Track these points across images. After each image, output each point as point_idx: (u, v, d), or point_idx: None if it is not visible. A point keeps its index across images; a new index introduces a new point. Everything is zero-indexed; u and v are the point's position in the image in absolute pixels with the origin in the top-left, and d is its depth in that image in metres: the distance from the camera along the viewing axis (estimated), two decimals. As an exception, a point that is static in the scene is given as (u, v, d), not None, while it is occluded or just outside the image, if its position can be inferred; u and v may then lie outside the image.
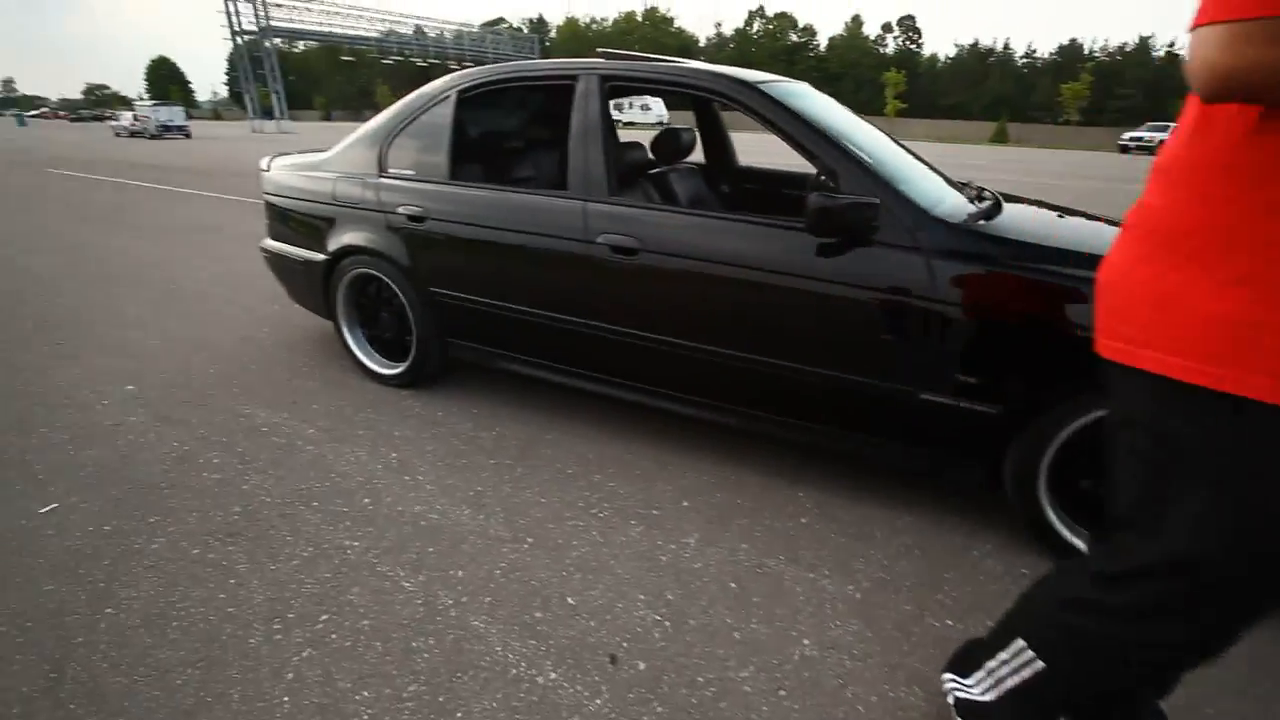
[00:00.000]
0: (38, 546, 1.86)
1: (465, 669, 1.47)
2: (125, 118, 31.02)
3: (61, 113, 79.89)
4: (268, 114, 40.80)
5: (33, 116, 67.49)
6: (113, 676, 1.44)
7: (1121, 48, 64.59)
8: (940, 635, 1.60)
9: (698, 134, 3.33)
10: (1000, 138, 40.73)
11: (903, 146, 2.56)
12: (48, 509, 2.03)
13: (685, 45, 72.76)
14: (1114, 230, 2.01)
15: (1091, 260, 1.75)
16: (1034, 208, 2.31)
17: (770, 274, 1.95)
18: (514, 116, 3.35)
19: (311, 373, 3.05)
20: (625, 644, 1.55)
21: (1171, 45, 61.40)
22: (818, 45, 73.85)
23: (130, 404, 2.72)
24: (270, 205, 3.13)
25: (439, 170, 2.53)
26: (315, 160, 2.98)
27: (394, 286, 2.68)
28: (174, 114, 30.07)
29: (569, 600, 1.68)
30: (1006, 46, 71.89)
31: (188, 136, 28.93)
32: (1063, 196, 5.05)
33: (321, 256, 2.85)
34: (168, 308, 4.00)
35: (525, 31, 72.24)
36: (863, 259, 1.84)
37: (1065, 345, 1.66)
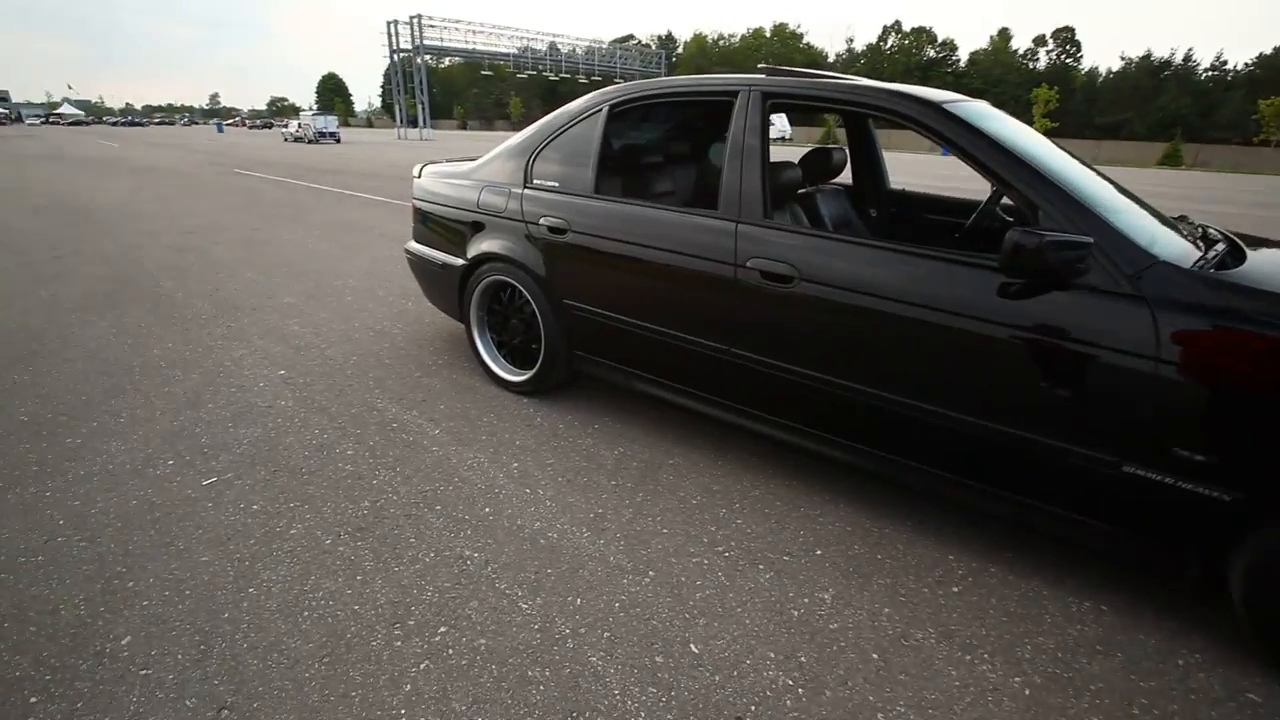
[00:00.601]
0: (199, 517, 2.00)
1: (582, 710, 1.38)
2: (292, 125, 35.44)
3: (246, 121, 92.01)
4: (412, 122, 44.59)
5: (228, 124, 78.42)
6: (251, 659, 1.49)
7: (1335, 60, 55.16)
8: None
9: (848, 153, 3.12)
10: (1173, 159, 36.05)
11: (1103, 176, 2.22)
12: (209, 482, 2.19)
13: (813, 60, 71.03)
14: None
15: None
16: None
17: (945, 314, 1.72)
18: (664, 132, 3.31)
19: (439, 371, 3.15)
20: (754, 708, 1.40)
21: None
22: (957, 60, 69.60)
23: (282, 388, 2.92)
24: (417, 209, 3.28)
25: (584, 183, 2.51)
26: (463, 169, 3.08)
27: (527, 294, 2.70)
28: (328, 122, 34.86)
29: (692, 648, 1.55)
30: (1188, 58, 63.54)
31: (338, 141, 32.88)
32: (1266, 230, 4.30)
33: (461, 261, 2.93)
34: (319, 300, 4.33)
35: (654, 48, 73.74)
36: (1064, 305, 1.56)
37: None
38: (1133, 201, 2.04)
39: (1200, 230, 2.03)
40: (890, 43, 72.89)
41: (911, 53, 69.85)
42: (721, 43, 78.71)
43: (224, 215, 7.93)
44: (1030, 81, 58.87)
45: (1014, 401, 1.68)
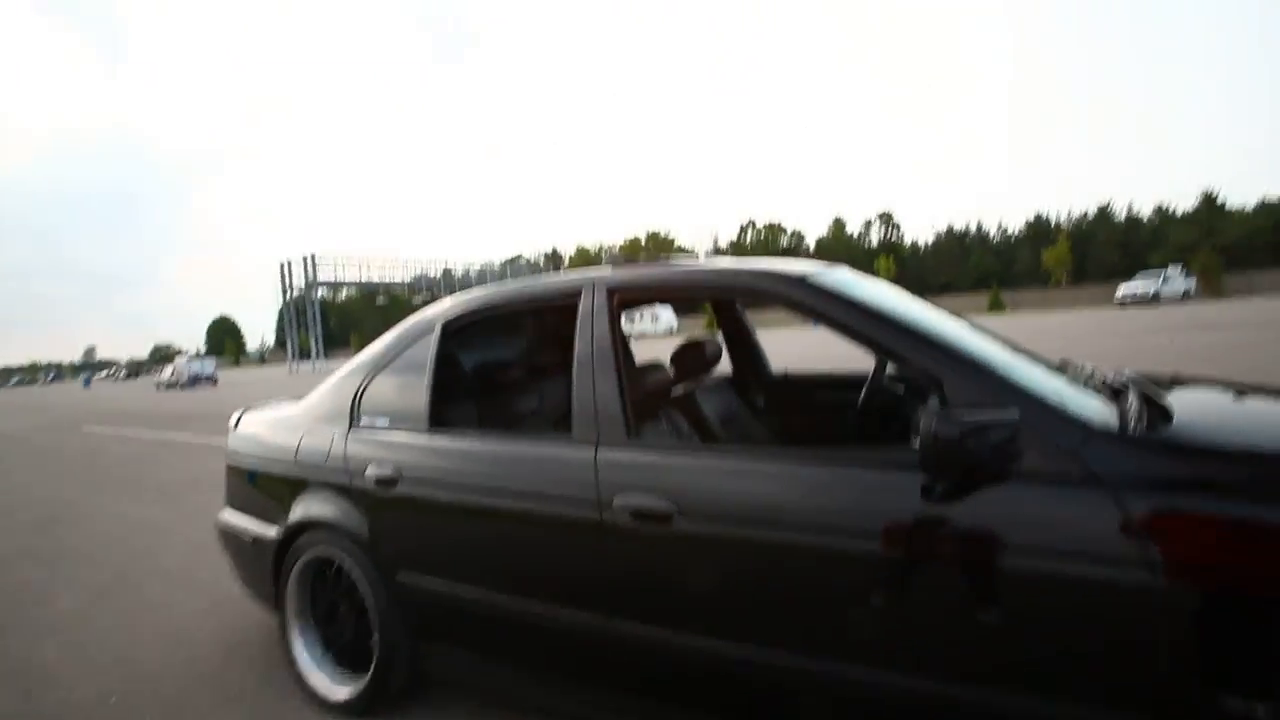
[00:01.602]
0: None
1: None
2: (166, 372, 33.84)
3: (120, 372, 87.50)
4: (306, 355, 44.08)
5: (98, 378, 73.81)
6: None
7: (1085, 215, 69.82)
8: None
9: (723, 342, 2.93)
10: (996, 306, 41.98)
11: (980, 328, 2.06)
12: None
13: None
14: None
15: None
16: (1202, 390, 1.72)
17: (876, 538, 1.29)
18: (509, 347, 3.00)
19: (242, 697, 2.27)
20: None
21: (1130, 207, 66.49)
22: (808, 246, 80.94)
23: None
24: (230, 469, 2.66)
25: (417, 418, 2.04)
26: (287, 412, 2.56)
27: (355, 570, 2.05)
28: (204, 366, 34.04)
29: None
30: (980, 227, 78.22)
31: (214, 384, 31.43)
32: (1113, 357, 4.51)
33: (273, 533, 2.27)
34: (110, 598, 3.34)
35: (541, 264, 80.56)
36: (1012, 503, 1.19)
37: None
38: (1020, 354, 1.76)
39: (1092, 374, 1.80)
40: (749, 237, 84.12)
41: (768, 244, 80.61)
42: (602, 253, 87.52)
43: (41, 487, 6.69)
44: (871, 256, 69.01)
45: (984, 648, 1.21)
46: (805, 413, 3.00)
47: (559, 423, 2.77)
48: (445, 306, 2.18)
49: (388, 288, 51.63)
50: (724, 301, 3.10)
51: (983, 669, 1.21)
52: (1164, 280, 33.50)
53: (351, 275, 47.92)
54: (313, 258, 44.10)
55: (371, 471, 2.02)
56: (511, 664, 1.82)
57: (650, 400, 2.15)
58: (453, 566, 1.86)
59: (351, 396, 2.25)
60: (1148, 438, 1.20)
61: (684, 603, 1.51)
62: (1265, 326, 13.28)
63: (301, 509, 2.19)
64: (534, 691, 1.82)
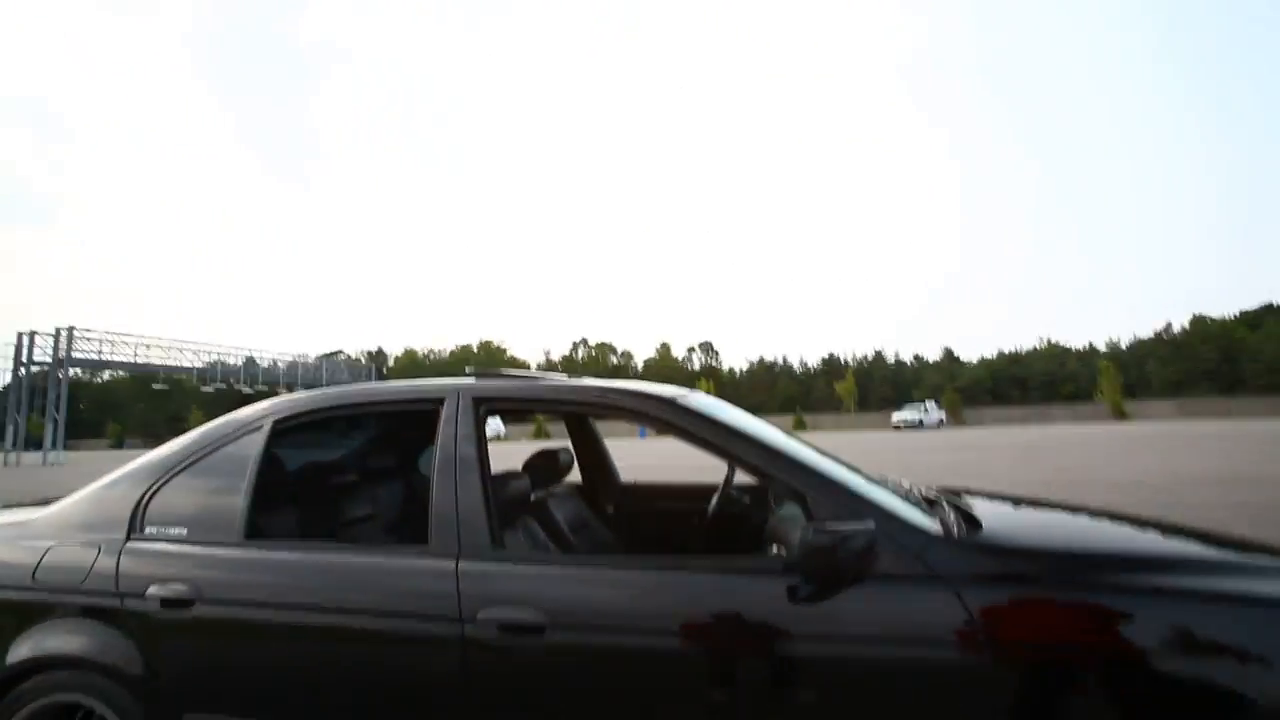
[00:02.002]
0: None
1: None
2: None
3: None
4: (37, 444, 35.29)
5: None
6: None
7: (866, 357, 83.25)
8: None
9: (573, 451, 2.94)
10: (801, 426, 47.37)
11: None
12: None
13: (520, 369, 79.97)
14: (1121, 526, 1.80)
15: (1151, 562, 1.42)
16: (988, 501, 2.06)
17: (751, 639, 1.37)
18: (351, 451, 2.75)
19: None
20: None
21: (897, 354, 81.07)
22: (635, 367, 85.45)
23: None
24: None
25: (230, 528, 1.72)
26: (18, 518, 2.01)
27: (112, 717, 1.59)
28: None
29: None
30: (784, 360, 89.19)
31: None
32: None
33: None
34: None
35: (363, 362, 74.97)
36: (872, 602, 1.33)
37: (1177, 685, 1.20)
38: (854, 471, 2.06)
39: (910, 489, 2.11)
40: (580, 354, 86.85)
41: (599, 361, 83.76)
42: (432, 356, 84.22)
43: None
44: (692, 379, 74.65)
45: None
46: (652, 521, 3.06)
47: (394, 532, 2.52)
48: (277, 404, 1.95)
49: (170, 373, 44.26)
50: (579, 417, 3.16)
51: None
52: (926, 410, 42.88)
53: (123, 356, 40.58)
54: (70, 330, 36.82)
55: (155, 591, 1.64)
56: None
57: (509, 509, 2.06)
58: (270, 700, 1.54)
59: (135, 501, 1.85)
60: (971, 541, 1.44)
61: (555, 715, 1.41)
62: (995, 449, 16.57)
63: (31, 643, 1.69)
64: None
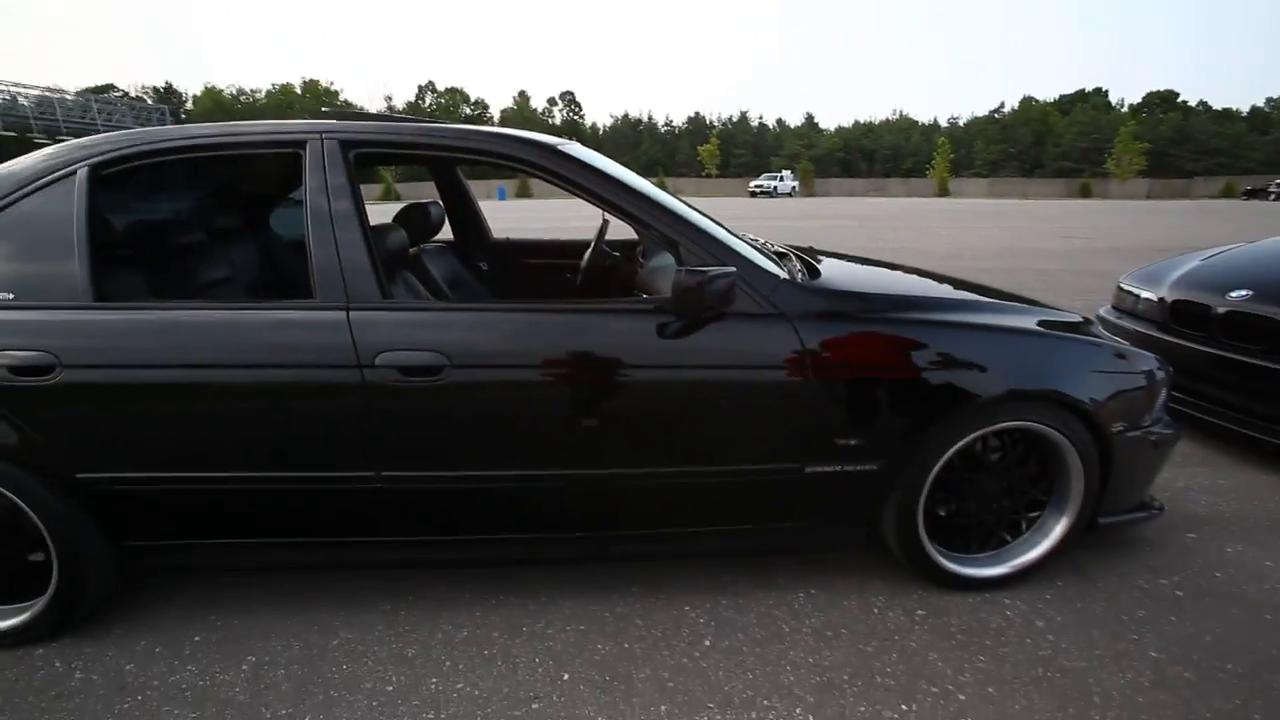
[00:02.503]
0: None
1: None
2: None
3: None
4: None
5: None
6: None
7: (731, 118, 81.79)
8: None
9: (443, 207, 2.85)
10: (662, 189, 47.77)
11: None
12: None
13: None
14: (911, 277, 2.23)
15: (922, 303, 1.83)
16: (837, 259, 2.39)
17: (626, 368, 1.61)
18: (192, 201, 2.45)
19: None
20: None
21: (761, 118, 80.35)
22: (492, 118, 77.39)
23: None
24: None
25: (70, 288, 1.56)
26: None
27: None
28: None
29: None
30: (650, 117, 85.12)
31: None
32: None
33: None
34: None
35: (149, 102, 59.88)
36: (726, 335, 1.61)
37: (925, 388, 1.67)
38: (719, 225, 2.29)
39: (764, 243, 2.40)
40: (428, 101, 76.43)
41: (450, 110, 74.57)
42: (244, 99, 69.52)
43: None
44: (554, 134, 69.93)
45: (711, 439, 1.68)
46: (526, 276, 3.19)
47: (255, 293, 2.43)
48: (91, 145, 1.66)
49: None
50: (445, 167, 2.99)
51: (707, 449, 1.68)
52: (780, 179, 44.87)
53: None
54: None
55: (7, 360, 1.54)
56: (254, 536, 1.71)
57: (391, 261, 2.06)
58: (167, 454, 1.61)
59: None
60: (809, 285, 1.73)
61: (453, 445, 1.64)
62: (836, 219, 18.16)
63: None
64: (277, 557, 1.77)
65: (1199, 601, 1.83)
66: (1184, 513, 2.31)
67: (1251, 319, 2.69)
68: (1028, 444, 1.81)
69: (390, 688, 1.55)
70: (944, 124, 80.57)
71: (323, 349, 1.55)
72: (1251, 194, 39.02)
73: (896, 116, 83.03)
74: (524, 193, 41.45)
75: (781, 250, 2.22)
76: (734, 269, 1.57)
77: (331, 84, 70.08)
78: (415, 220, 2.44)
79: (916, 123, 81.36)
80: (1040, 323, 1.89)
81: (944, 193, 49.98)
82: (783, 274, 1.75)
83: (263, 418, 1.61)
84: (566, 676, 1.59)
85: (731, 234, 1.97)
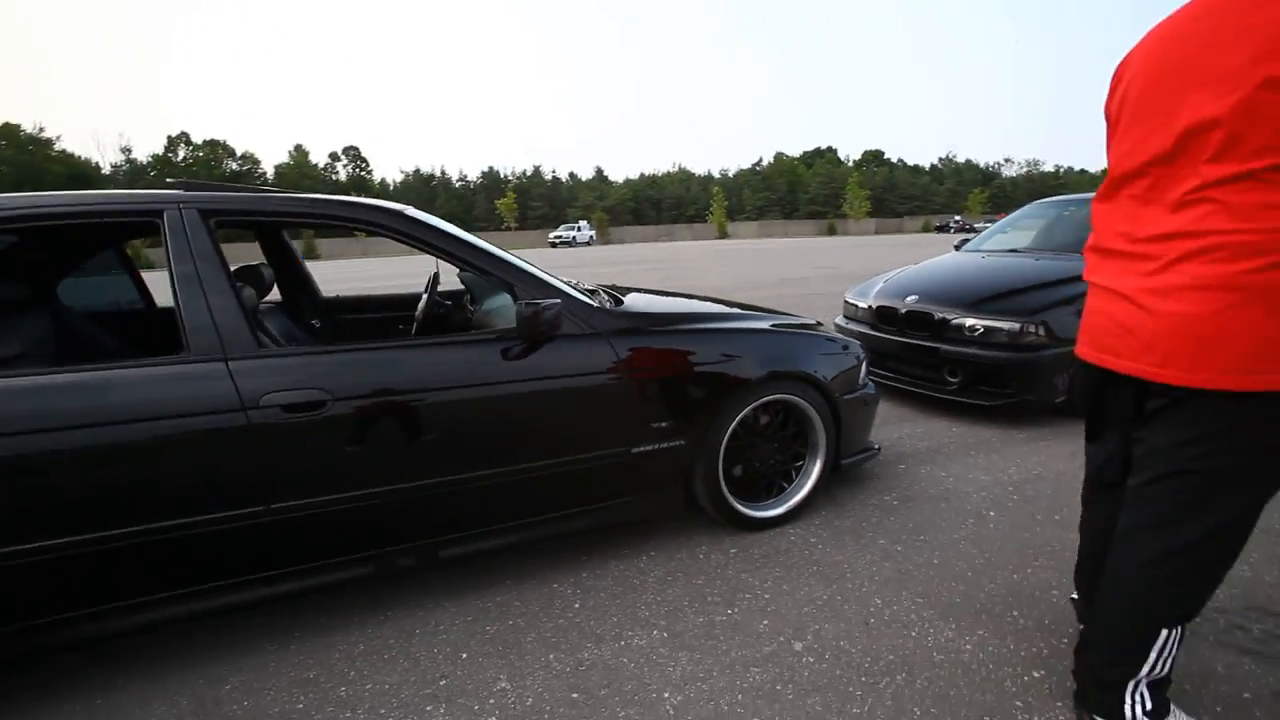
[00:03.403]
0: None
1: None
2: None
3: None
4: None
5: None
6: None
7: (525, 173, 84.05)
8: (743, 628, 1.91)
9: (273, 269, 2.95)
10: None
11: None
12: None
13: (80, 173, 58.02)
14: (694, 301, 2.89)
15: (701, 317, 2.44)
16: (637, 292, 2.96)
17: (482, 386, 1.97)
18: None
19: None
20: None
21: (554, 172, 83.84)
22: (264, 173, 70.53)
23: None
24: None
25: None
26: None
27: None
28: None
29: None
30: (443, 172, 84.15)
31: None
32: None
33: None
34: None
35: None
36: (558, 353, 2.05)
37: (708, 378, 2.27)
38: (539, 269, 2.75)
39: (576, 282, 2.92)
40: (181, 154, 67.36)
41: (211, 165, 66.45)
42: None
43: None
44: (339, 190, 65.63)
45: (559, 436, 2.09)
46: (360, 328, 3.35)
47: (62, 355, 2.33)
48: None
49: None
50: (273, 231, 3.09)
51: (556, 445, 2.08)
52: (579, 229, 47.48)
53: None
54: None
55: None
56: (127, 597, 1.72)
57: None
58: (53, 522, 1.59)
59: None
60: (616, 310, 2.24)
61: (338, 469, 1.84)
62: (630, 264, 19.81)
63: None
64: (145, 616, 1.77)
65: (906, 505, 2.66)
66: (895, 451, 3.25)
67: (919, 315, 3.85)
68: (785, 411, 2.50)
69: (301, 705, 1.69)
70: (717, 175, 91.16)
71: (208, 398, 1.68)
72: (939, 228, 51.68)
73: (676, 169, 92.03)
74: (310, 254, 38.44)
75: (591, 288, 2.75)
76: (559, 300, 2.02)
77: (40, 129, 58.32)
78: (250, 280, 2.55)
79: (694, 174, 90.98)
80: (787, 325, 2.63)
81: (723, 235, 56.79)
82: (595, 303, 2.25)
83: (146, 471, 1.67)
84: (465, 655, 1.86)
85: (553, 275, 2.44)
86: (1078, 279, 3.62)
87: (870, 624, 1.92)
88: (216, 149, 68.25)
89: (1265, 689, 1.63)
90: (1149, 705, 1.39)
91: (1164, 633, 1.35)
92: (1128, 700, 1.40)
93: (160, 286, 2.17)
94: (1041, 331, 3.46)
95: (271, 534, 1.78)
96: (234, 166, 68.43)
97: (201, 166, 65.74)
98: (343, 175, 76.84)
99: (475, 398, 1.97)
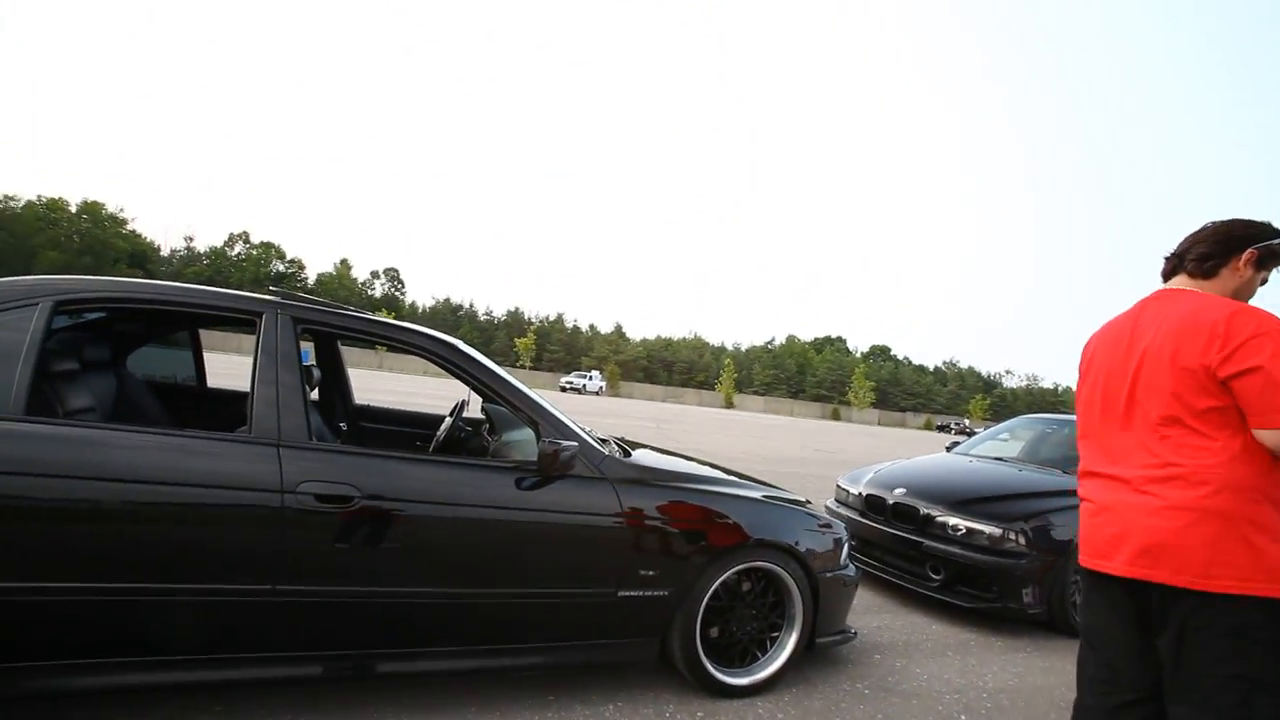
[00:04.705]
0: None
1: None
2: None
3: None
4: None
5: None
6: None
7: (548, 317, 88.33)
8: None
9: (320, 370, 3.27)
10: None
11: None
12: None
13: (141, 251, 62.24)
14: (695, 464, 3.12)
15: (699, 479, 2.64)
16: (645, 448, 3.21)
17: (496, 509, 2.15)
18: (82, 337, 2.63)
19: None
20: None
21: (575, 320, 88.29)
22: (306, 279, 74.91)
23: None
24: None
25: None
26: None
27: None
28: None
29: None
30: (471, 305, 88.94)
31: None
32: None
33: None
34: None
35: None
36: (568, 491, 2.25)
37: (699, 536, 2.42)
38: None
39: (590, 429, 3.17)
40: (238, 250, 72.26)
41: (260, 263, 70.93)
42: (-3, 203, 59.40)
43: None
44: (372, 306, 69.17)
45: (559, 568, 2.23)
46: (380, 437, 3.57)
47: (129, 415, 2.57)
48: (56, 281, 1.98)
49: None
50: (327, 339, 3.45)
51: (552, 574, 2.22)
52: (590, 378, 48.78)
53: None
54: None
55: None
56: (135, 654, 1.79)
57: None
58: (98, 567, 1.74)
59: None
60: (625, 461, 2.47)
61: (349, 564, 1.97)
62: (636, 419, 20.21)
63: None
64: (161, 675, 1.82)
65: (878, 695, 2.65)
66: (872, 640, 3.25)
67: (906, 508, 4.01)
68: (766, 580, 2.61)
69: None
70: (729, 347, 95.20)
71: (253, 476, 1.88)
72: (941, 428, 52.96)
73: (692, 335, 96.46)
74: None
75: (604, 438, 3.00)
76: (577, 443, 2.27)
77: (120, 210, 63.24)
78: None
79: (708, 344, 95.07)
80: (778, 497, 2.82)
81: (730, 405, 58.06)
82: (607, 451, 2.49)
83: (191, 535, 1.84)
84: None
85: (572, 420, 2.71)
86: (1059, 493, 3.84)
87: (829, 814, 1.89)
88: (269, 250, 73.25)
89: None
90: None
91: None
92: None
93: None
94: (1022, 540, 3.59)
95: (273, 615, 1.88)
96: (280, 268, 72.92)
97: (252, 264, 70.16)
98: (378, 292, 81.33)
99: (489, 519, 2.14)
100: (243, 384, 2.35)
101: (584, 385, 46.42)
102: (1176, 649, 1.49)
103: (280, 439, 1.96)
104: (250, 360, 2.06)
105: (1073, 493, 1.86)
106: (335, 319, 2.28)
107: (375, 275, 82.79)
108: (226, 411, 3.03)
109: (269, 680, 1.92)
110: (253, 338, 2.08)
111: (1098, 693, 1.69)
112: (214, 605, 1.84)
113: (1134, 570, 1.54)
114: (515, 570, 2.18)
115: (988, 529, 3.67)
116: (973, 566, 3.61)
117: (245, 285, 61.40)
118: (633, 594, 2.29)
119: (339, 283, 75.22)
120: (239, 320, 2.18)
